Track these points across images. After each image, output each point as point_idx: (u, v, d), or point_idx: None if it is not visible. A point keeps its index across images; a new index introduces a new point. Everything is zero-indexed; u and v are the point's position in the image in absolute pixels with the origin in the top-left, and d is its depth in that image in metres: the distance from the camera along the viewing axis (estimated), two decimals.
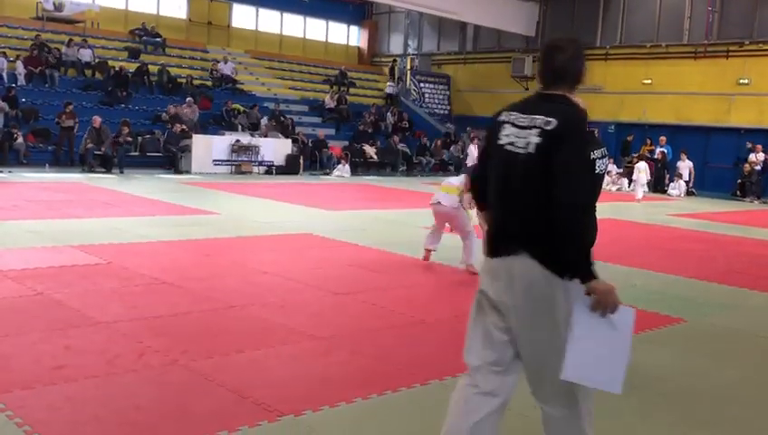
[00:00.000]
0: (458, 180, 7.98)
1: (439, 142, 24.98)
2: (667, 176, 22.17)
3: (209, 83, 23.39)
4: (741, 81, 21.84)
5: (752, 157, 21.01)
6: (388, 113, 26.22)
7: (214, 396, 3.85)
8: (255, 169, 19.55)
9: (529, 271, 2.68)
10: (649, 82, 23.58)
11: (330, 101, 25.33)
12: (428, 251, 8.09)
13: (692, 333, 5.86)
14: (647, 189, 19.80)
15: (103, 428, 3.41)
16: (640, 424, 3.84)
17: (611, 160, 21.08)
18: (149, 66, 21.99)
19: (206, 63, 24.65)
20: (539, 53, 2.92)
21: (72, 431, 3.37)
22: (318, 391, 4.02)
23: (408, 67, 29.57)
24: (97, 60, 21.42)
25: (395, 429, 3.64)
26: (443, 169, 23.29)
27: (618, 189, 21.73)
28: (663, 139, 22.46)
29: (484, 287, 2.88)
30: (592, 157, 2.77)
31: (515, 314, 2.74)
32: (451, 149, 24.78)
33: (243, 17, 28.25)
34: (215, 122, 21.19)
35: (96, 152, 17.14)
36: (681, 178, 21.73)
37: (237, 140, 19.36)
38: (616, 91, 23.30)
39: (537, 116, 2.73)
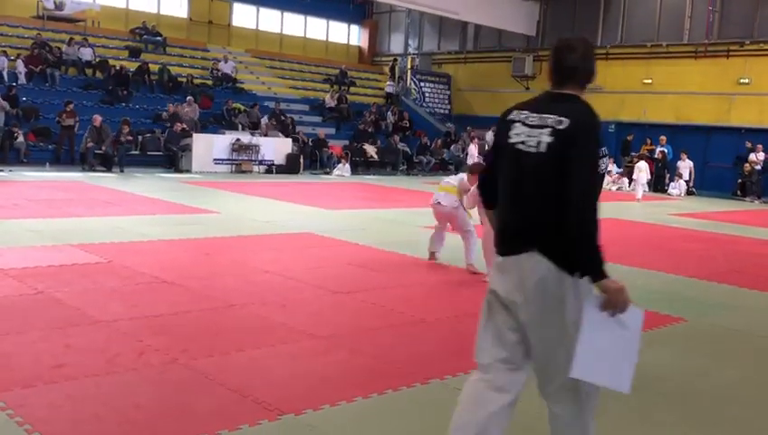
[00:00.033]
0: (457, 180, 7.98)
1: (440, 142, 24.98)
2: (668, 175, 22.17)
3: (210, 82, 23.39)
4: (741, 80, 21.84)
5: (752, 156, 21.01)
6: (389, 113, 26.22)
7: (214, 395, 3.85)
8: (256, 169, 19.55)
9: (539, 268, 2.70)
10: (650, 81, 23.58)
11: (330, 101, 25.33)
12: (432, 254, 8.07)
13: (692, 333, 5.86)
14: (647, 189, 19.81)
15: (103, 426, 3.41)
16: (640, 424, 3.85)
17: (612, 160, 21.08)
18: (150, 65, 21.98)
19: (206, 62, 24.65)
20: (550, 52, 2.92)
21: (72, 430, 3.38)
22: (318, 389, 4.02)
23: (409, 66, 29.56)
24: (97, 59, 21.42)
25: (395, 427, 3.64)
26: (443, 168, 23.28)
27: (618, 189, 21.73)
28: (663, 138, 22.46)
29: (494, 286, 2.90)
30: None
31: (525, 311, 2.76)
32: (451, 148, 24.78)
33: (243, 16, 28.24)
34: (215, 121, 21.19)
35: (96, 151, 17.14)
36: (681, 178, 21.73)
37: (238, 140, 19.36)
38: (616, 90, 23.29)
39: (549, 115, 2.74)
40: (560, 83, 2.84)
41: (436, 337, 5.28)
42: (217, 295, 5.99)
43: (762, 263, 9.90)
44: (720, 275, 8.47)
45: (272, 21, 28.99)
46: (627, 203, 17.47)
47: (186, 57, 24.73)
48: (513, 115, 2.87)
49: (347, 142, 22.90)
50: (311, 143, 21.94)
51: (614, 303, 2.61)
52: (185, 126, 19.14)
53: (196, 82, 22.86)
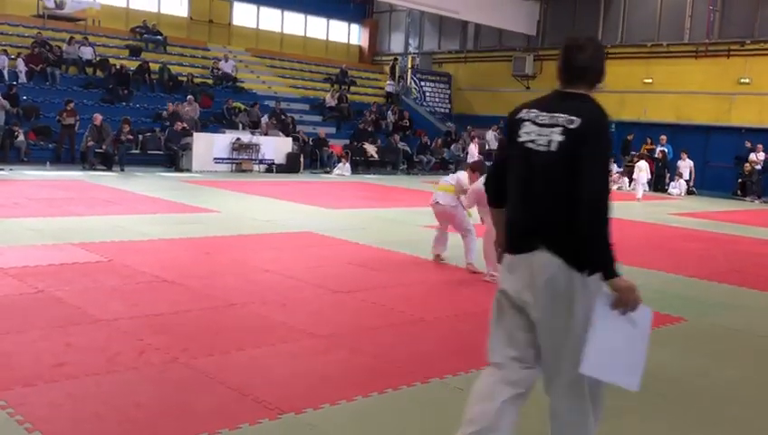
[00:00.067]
0: (455, 179, 7.98)
1: (440, 141, 24.97)
2: (668, 175, 22.17)
3: (210, 81, 23.39)
4: (742, 80, 21.83)
5: (752, 156, 21.00)
6: (389, 112, 26.22)
7: (214, 394, 3.86)
8: (256, 168, 19.55)
9: (549, 267, 2.72)
10: (650, 81, 23.58)
11: (330, 100, 25.32)
12: (437, 256, 8.06)
13: (692, 333, 5.87)
14: (647, 188, 19.80)
15: (104, 425, 3.41)
16: (640, 424, 3.85)
17: (612, 160, 21.09)
18: (150, 64, 21.98)
19: (206, 62, 24.65)
20: (558, 51, 2.92)
21: (72, 429, 3.38)
22: (318, 388, 4.02)
23: (409, 66, 29.55)
24: (98, 58, 21.42)
25: (396, 426, 3.65)
26: (443, 167, 23.27)
27: (618, 188, 21.70)
28: (663, 138, 22.47)
29: (504, 286, 2.91)
30: None
31: (535, 308, 2.77)
32: (452, 147, 24.77)
33: (244, 15, 28.23)
34: (215, 120, 21.19)
35: (97, 150, 17.15)
36: (682, 178, 21.73)
37: (238, 139, 19.36)
38: (616, 90, 23.27)
39: (560, 114, 2.75)
40: (569, 83, 2.85)
41: (437, 336, 5.28)
42: (218, 294, 5.99)
43: (762, 262, 9.90)
44: (720, 274, 8.47)
45: (272, 20, 28.99)
46: (627, 202, 17.46)
47: (186, 56, 24.73)
48: (523, 114, 2.88)
49: (347, 141, 22.90)
50: (311, 142, 21.94)
51: (625, 301, 2.63)
52: (185, 125, 19.14)
53: (197, 81, 22.85)
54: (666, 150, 22.28)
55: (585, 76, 2.84)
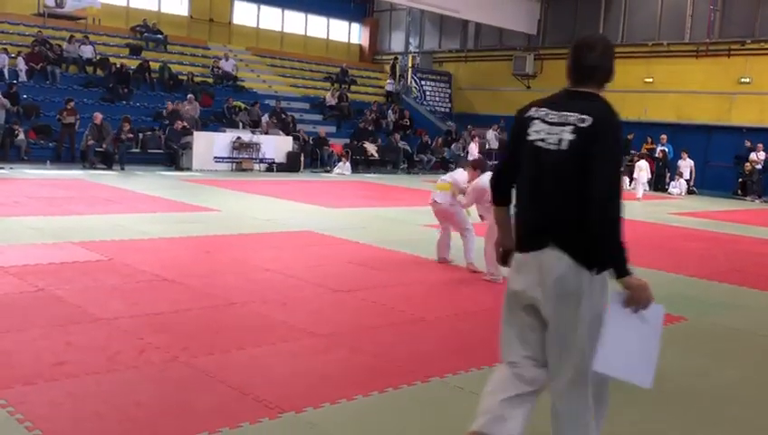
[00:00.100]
0: (452, 177, 7.98)
1: (440, 140, 24.96)
2: (668, 174, 22.16)
3: (210, 80, 23.38)
4: (742, 79, 21.83)
5: (753, 156, 21.00)
6: (389, 111, 26.21)
7: (214, 393, 3.85)
8: (256, 167, 19.55)
9: (559, 265, 2.73)
10: (651, 80, 23.57)
11: (331, 99, 25.32)
12: (443, 259, 8.03)
13: (693, 332, 5.87)
14: (647, 188, 19.79)
15: (104, 424, 3.42)
16: (640, 423, 3.85)
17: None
18: (151, 63, 21.97)
19: (207, 60, 24.63)
20: (569, 50, 2.93)
21: (72, 427, 3.38)
22: (318, 387, 4.02)
23: (410, 65, 29.54)
24: (98, 56, 21.40)
25: (396, 425, 3.65)
26: (444, 166, 23.26)
27: None
28: (664, 137, 22.45)
29: (514, 285, 2.92)
30: None
31: (545, 304, 2.79)
32: (452, 147, 24.76)
33: (244, 14, 28.22)
34: (216, 119, 21.18)
35: (97, 149, 17.14)
36: (682, 177, 21.72)
37: (238, 138, 19.36)
38: (617, 89, 23.11)
39: (570, 113, 2.76)
40: (579, 81, 2.86)
41: (437, 336, 5.28)
42: (218, 293, 5.99)
43: (762, 262, 9.90)
44: (721, 274, 8.47)
45: (272, 19, 28.97)
46: (627, 202, 17.41)
47: (186, 55, 24.72)
48: (532, 112, 2.88)
49: (347, 141, 22.90)
50: (311, 141, 21.93)
51: (637, 299, 2.65)
52: (185, 124, 19.14)
53: (197, 79, 22.84)
54: (666, 150, 22.27)
55: (594, 75, 2.85)
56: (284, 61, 27.63)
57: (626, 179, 21.74)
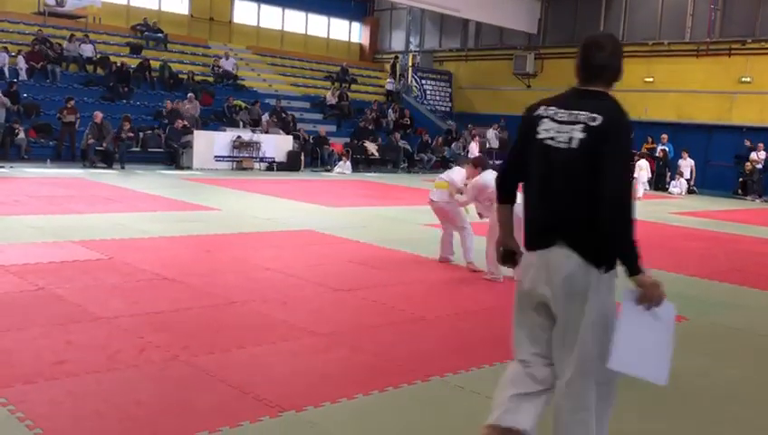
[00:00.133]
0: (449, 176, 7.97)
1: (440, 139, 24.96)
2: (669, 174, 22.16)
3: (211, 79, 23.37)
4: (743, 79, 21.82)
5: (753, 155, 20.99)
6: (390, 110, 26.21)
7: (215, 391, 3.85)
8: (256, 166, 19.55)
9: (568, 263, 2.75)
10: (651, 79, 23.56)
11: (331, 98, 25.32)
12: (445, 259, 8.03)
13: (693, 332, 5.86)
14: (648, 187, 19.79)
15: (104, 422, 3.42)
16: (639, 423, 3.84)
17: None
18: (151, 62, 21.98)
19: (207, 59, 24.63)
20: (578, 49, 2.93)
21: (73, 426, 3.38)
22: (319, 386, 4.02)
23: (410, 64, 29.54)
24: (98, 55, 21.40)
25: (396, 424, 3.65)
26: (444, 166, 23.24)
27: None
28: (664, 136, 22.44)
29: (523, 284, 2.95)
30: None
31: (554, 303, 2.81)
32: (452, 146, 24.76)
33: (244, 13, 28.22)
34: (216, 118, 21.18)
35: (97, 148, 17.15)
36: (682, 177, 21.72)
37: (239, 137, 19.36)
38: (617, 88, 22.78)
39: (580, 112, 2.76)
40: (587, 80, 2.87)
41: (437, 335, 5.28)
42: (218, 292, 5.99)
43: (763, 262, 9.90)
44: (721, 273, 8.47)
45: (273, 18, 28.97)
46: None
47: (187, 54, 24.71)
48: (541, 111, 2.89)
49: (348, 140, 22.90)
50: (311, 140, 21.93)
51: (650, 296, 2.68)
52: (186, 123, 19.13)
53: (197, 78, 22.83)
54: (666, 149, 22.27)
55: (603, 74, 2.85)
56: (285, 60, 27.62)
57: None
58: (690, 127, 22.67)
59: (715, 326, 6.10)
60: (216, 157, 18.87)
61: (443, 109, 28.78)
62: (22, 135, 17.08)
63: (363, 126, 23.96)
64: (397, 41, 31.10)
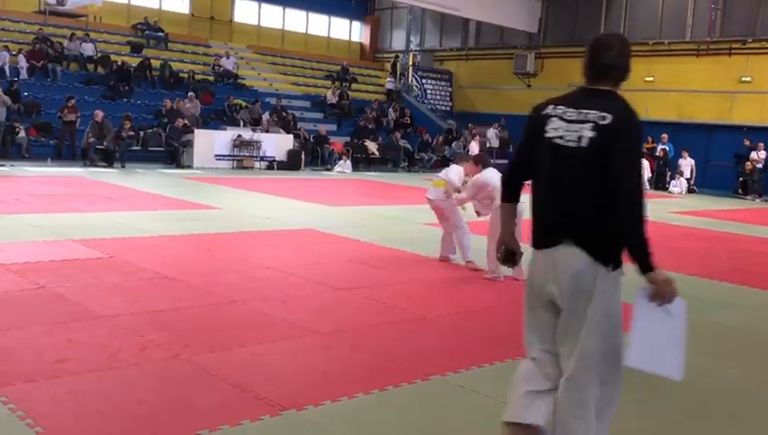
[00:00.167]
0: (446, 175, 7.96)
1: (441, 139, 24.96)
2: (669, 173, 22.15)
3: (211, 78, 23.37)
4: (743, 78, 21.81)
5: (753, 155, 20.99)
6: (390, 109, 26.21)
7: (215, 390, 3.86)
8: (257, 165, 19.55)
9: (576, 262, 2.76)
10: (651, 79, 23.55)
11: (331, 97, 25.32)
12: (445, 258, 8.02)
13: (693, 331, 5.82)
14: (648, 187, 19.78)
15: (105, 421, 3.42)
16: (639, 422, 3.85)
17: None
18: (152, 61, 21.98)
19: (208, 58, 24.63)
20: (586, 48, 2.94)
21: (74, 425, 3.38)
22: (319, 385, 4.03)
23: (411, 63, 29.54)
24: (99, 54, 21.40)
25: (396, 423, 3.65)
26: (444, 165, 23.18)
27: None
28: (665, 136, 22.44)
29: (531, 282, 2.96)
30: None
31: (560, 299, 2.82)
32: (453, 145, 24.74)
33: (245, 12, 28.22)
34: (216, 117, 21.18)
35: (98, 147, 17.15)
36: (683, 176, 21.72)
37: (239, 136, 19.36)
38: None
39: (590, 111, 2.77)
40: (595, 80, 2.88)
41: (437, 334, 5.28)
42: (219, 291, 6.00)
43: (763, 261, 9.90)
44: (721, 273, 8.47)
45: (274, 17, 28.97)
46: None
47: (187, 53, 24.72)
48: (549, 110, 2.90)
49: (348, 139, 22.90)
50: (312, 140, 21.94)
51: (662, 293, 2.69)
52: (186, 122, 19.14)
53: (198, 77, 22.84)
54: (667, 149, 22.27)
55: (611, 74, 2.86)
56: (285, 59, 27.63)
57: None
58: (690, 126, 22.67)
59: (716, 326, 6.10)
60: (216, 156, 18.87)
61: (443, 108, 28.78)
62: (22, 134, 17.09)
63: (364, 125, 23.96)
64: (397, 40, 31.09)
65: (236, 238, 8.73)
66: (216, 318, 5.26)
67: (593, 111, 2.76)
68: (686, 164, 21.84)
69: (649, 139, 22.70)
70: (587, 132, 2.74)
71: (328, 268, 7.26)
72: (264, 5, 28.42)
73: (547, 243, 2.85)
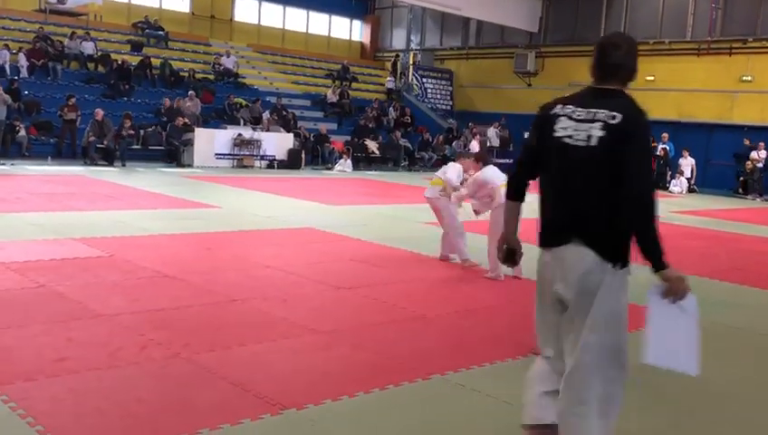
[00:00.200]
0: (444, 173, 7.95)
1: (441, 138, 24.96)
2: (669, 173, 22.14)
3: (211, 77, 23.37)
4: (744, 78, 21.80)
5: (754, 154, 20.98)
6: (391, 108, 26.21)
7: (216, 389, 3.86)
8: (257, 164, 19.54)
9: (585, 261, 2.77)
10: (652, 78, 23.51)
11: (332, 96, 25.31)
12: (445, 257, 8.01)
13: None
14: None
15: (105, 420, 3.42)
16: (639, 422, 3.84)
17: None
18: (152, 59, 21.98)
19: (208, 57, 24.64)
20: (594, 48, 2.95)
21: (74, 423, 3.38)
22: (320, 384, 4.02)
23: (411, 62, 29.53)
24: (99, 53, 21.40)
25: (397, 423, 3.65)
26: (445, 164, 23.23)
27: None
28: (665, 135, 22.41)
29: (539, 281, 2.98)
30: None
31: (568, 298, 2.83)
32: (453, 144, 24.73)
33: (245, 11, 28.21)
34: (217, 116, 21.18)
35: (98, 145, 17.15)
36: (683, 175, 21.71)
37: (239, 134, 19.36)
38: None
39: (598, 110, 2.78)
40: (603, 79, 2.89)
41: (438, 333, 5.28)
42: (219, 290, 5.99)
43: (764, 261, 9.89)
44: (722, 272, 8.46)
45: (274, 16, 28.97)
46: None
47: (188, 52, 24.72)
48: (557, 110, 2.90)
49: (348, 138, 22.90)
50: (312, 139, 21.93)
51: (675, 290, 2.71)
52: (186, 120, 19.13)
53: (198, 76, 22.84)
54: (667, 148, 22.25)
55: (618, 73, 2.87)
56: (286, 58, 27.63)
57: None
58: (691, 126, 22.65)
59: (716, 325, 6.09)
60: (216, 154, 18.87)
61: (444, 107, 28.77)
62: (23, 132, 17.09)
63: (364, 124, 23.95)
64: (398, 39, 31.09)
65: (236, 237, 8.72)
66: (216, 317, 5.26)
67: (602, 111, 2.77)
68: (687, 163, 21.83)
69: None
70: (596, 132, 2.75)
71: (328, 267, 7.26)
72: (264, 4, 28.42)
73: (556, 242, 2.86)
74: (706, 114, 22.46)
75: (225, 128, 19.82)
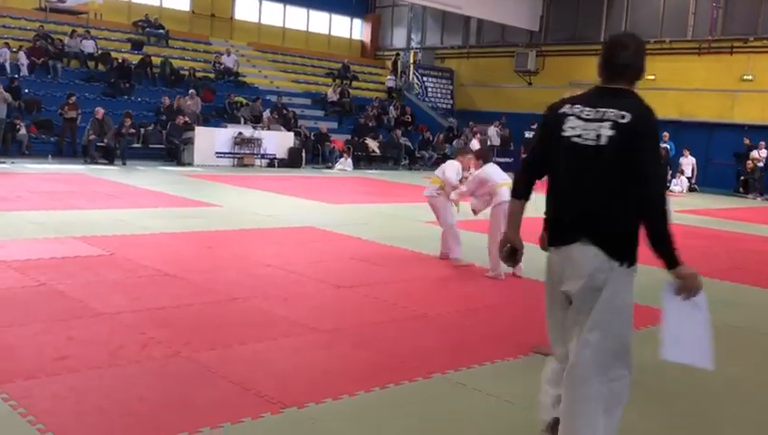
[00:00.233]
0: (442, 172, 7.95)
1: (442, 137, 24.96)
2: (670, 172, 22.12)
3: (212, 76, 23.37)
4: (745, 77, 21.79)
5: (754, 153, 20.98)
6: (391, 107, 26.20)
7: (216, 388, 3.86)
8: (258, 162, 19.54)
9: (594, 260, 2.78)
10: (653, 77, 23.43)
11: (332, 95, 25.30)
12: (446, 256, 8.00)
13: None
14: None
15: (106, 418, 3.42)
16: (639, 422, 3.84)
17: None
18: (152, 58, 21.98)
19: (208, 56, 24.63)
20: (602, 48, 2.96)
21: (75, 421, 3.38)
22: (320, 383, 4.03)
23: (411, 61, 29.52)
24: (100, 51, 21.40)
25: (397, 422, 3.65)
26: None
27: None
28: (666, 134, 22.36)
29: (548, 280, 2.99)
30: None
31: (575, 297, 2.84)
32: (453, 143, 24.72)
33: (246, 10, 28.20)
34: (217, 115, 21.18)
35: (99, 144, 17.15)
36: (684, 175, 21.71)
37: (240, 133, 19.36)
38: None
39: (608, 109, 2.79)
40: (611, 79, 2.90)
41: (438, 332, 5.28)
42: (220, 289, 6.00)
43: (764, 260, 9.89)
44: (722, 272, 8.46)
45: (274, 14, 28.96)
46: None
47: (188, 50, 24.71)
48: (566, 109, 2.91)
49: (349, 137, 22.89)
50: (313, 137, 21.92)
51: (689, 287, 2.77)
52: (187, 119, 19.13)
53: (199, 75, 22.84)
54: (668, 147, 22.21)
55: (626, 73, 2.89)
56: (286, 56, 27.62)
57: None
58: (692, 125, 22.64)
59: (716, 324, 6.05)
60: (217, 153, 18.87)
61: (444, 106, 28.76)
62: (23, 131, 17.09)
63: (364, 123, 23.94)
64: (398, 38, 31.07)
65: (237, 236, 8.72)
66: (216, 315, 5.26)
67: (611, 110, 2.78)
68: (687, 163, 21.82)
69: None
70: (606, 131, 2.76)
71: (329, 266, 7.26)
72: (264, 3, 28.42)
73: (564, 241, 2.87)
74: (707, 113, 22.46)
75: (226, 126, 19.83)
